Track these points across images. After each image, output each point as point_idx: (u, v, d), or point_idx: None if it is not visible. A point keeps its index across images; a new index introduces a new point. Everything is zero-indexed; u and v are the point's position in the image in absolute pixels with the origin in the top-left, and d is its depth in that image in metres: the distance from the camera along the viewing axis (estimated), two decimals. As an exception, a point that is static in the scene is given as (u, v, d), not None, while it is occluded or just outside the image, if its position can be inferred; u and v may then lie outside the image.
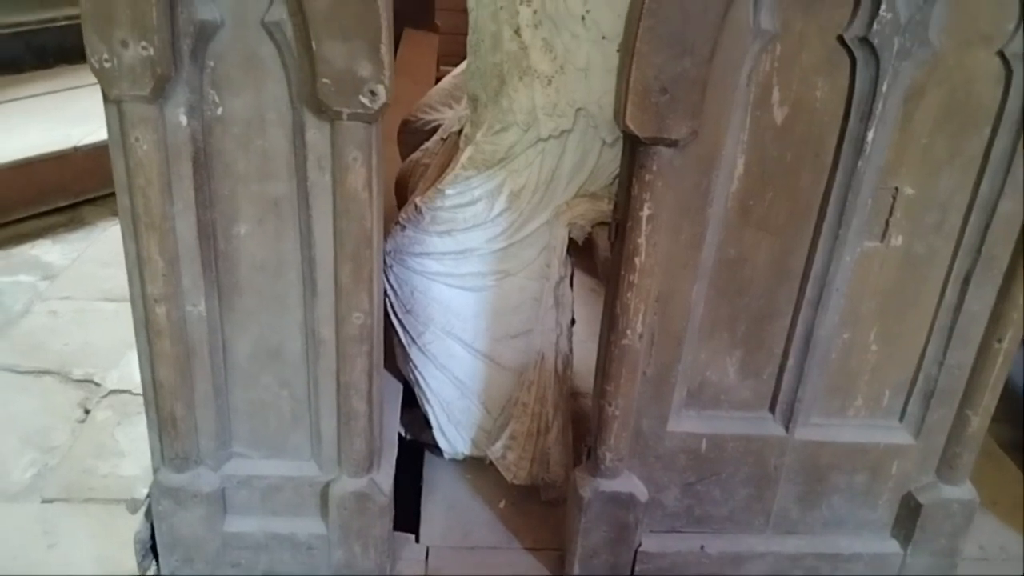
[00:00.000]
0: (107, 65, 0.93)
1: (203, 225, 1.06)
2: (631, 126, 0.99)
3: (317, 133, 1.01)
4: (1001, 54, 1.00)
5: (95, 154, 2.50)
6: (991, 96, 1.03)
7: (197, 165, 1.02)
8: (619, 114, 1.00)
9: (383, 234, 1.14)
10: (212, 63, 0.98)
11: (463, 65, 1.95)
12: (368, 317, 1.11)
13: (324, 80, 0.96)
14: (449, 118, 1.65)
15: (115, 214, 2.50)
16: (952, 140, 1.05)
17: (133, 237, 1.05)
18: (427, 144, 1.62)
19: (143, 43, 0.92)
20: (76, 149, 2.50)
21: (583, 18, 1.13)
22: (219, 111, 1.01)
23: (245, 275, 1.10)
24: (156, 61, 0.93)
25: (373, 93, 0.97)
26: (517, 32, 1.20)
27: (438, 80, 3.33)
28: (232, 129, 1.02)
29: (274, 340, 1.14)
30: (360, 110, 0.98)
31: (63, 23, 2.98)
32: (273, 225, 1.08)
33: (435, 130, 1.74)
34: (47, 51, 2.99)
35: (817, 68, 1.01)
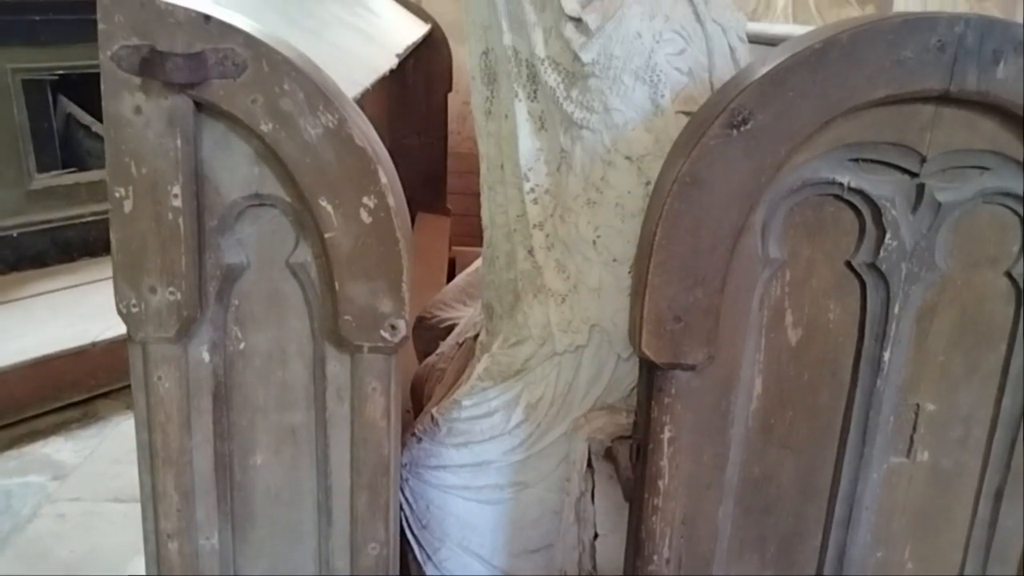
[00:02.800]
0: (135, 310, 0.96)
1: (220, 457, 1.05)
2: (647, 352, 1.00)
3: (337, 365, 1.02)
4: (1008, 274, 1.02)
5: (112, 348, 2.54)
6: (1003, 314, 1.04)
7: (217, 399, 1.03)
8: (635, 340, 1.02)
9: (400, 461, 1.13)
10: (237, 302, 1.01)
11: (476, 263, 2.00)
12: (384, 547, 1.08)
13: (346, 317, 0.98)
14: (465, 321, 1.67)
15: (129, 407, 2.53)
16: (968, 357, 1.06)
17: (150, 472, 1.04)
18: (442, 348, 1.63)
19: (171, 289, 0.95)
20: (94, 344, 2.53)
21: (594, 243, 1.17)
22: (241, 346, 1.03)
23: (260, 505, 1.08)
24: (183, 304, 0.96)
25: (393, 327, 0.99)
26: (531, 252, 1.23)
27: (451, 261, 3.45)
28: (253, 362, 1.03)
29: (287, 571, 1.11)
30: (380, 343, 0.99)
31: (89, 219, 3.10)
32: (290, 454, 1.07)
33: (450, 328, 1.76)
34: (72, 245, 3.09)
35: (827, 292, 1.03)
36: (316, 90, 0.91)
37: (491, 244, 1.35)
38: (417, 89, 3.44)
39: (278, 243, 1.00)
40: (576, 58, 1.13)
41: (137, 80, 0.89)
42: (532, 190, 1.21)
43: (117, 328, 2.73)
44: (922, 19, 0.90)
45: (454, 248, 3.62)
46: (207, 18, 0.88)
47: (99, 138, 3.19)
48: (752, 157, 0.94)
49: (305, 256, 0.99)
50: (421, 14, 3.40)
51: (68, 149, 3.16)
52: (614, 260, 1.17)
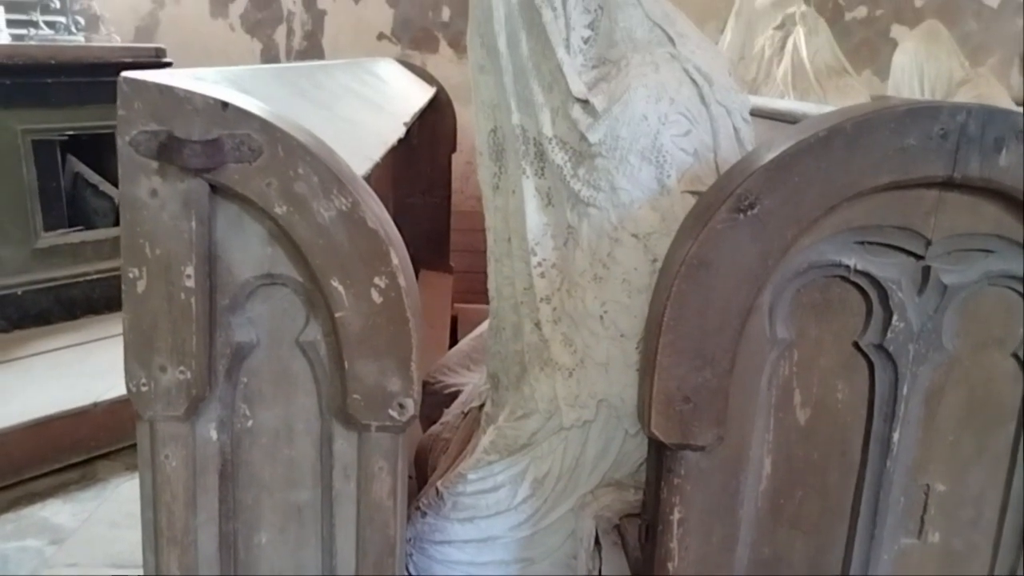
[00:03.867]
0: (144, 389, 0.96)
1: (225, 536, 1.04)
2: (656, 433, 0.99)
3: (344, 443, 1.02)
4: (1015, 356, 1.03)
5: (113, 408, 2.51)
6: (1011, 394, 1.04)
7: (223, 477, 1.02)
8: (644, 420, 1.01)
9: (405, 542, 1.12)
10: (245, 379, 1.01)
11: (481, 328, 2.01)
12: (390, 629, 1.06)
13: (355, 396, 0.98)
14: (469, 389, 1.66)
15: (128, 469, 2.51)
16: (977, 437, 1.05)
17: (154, 550, 1.03)
18: (447, 417, 1.62)
19: (181, 368, 0.95)
20: (95, 405, 2.51)
21: (601, 318, 1.18)
22: (249, 423, 1.02)
23: (264, 585, 1.07)
24: (192, 383, 0.96)
25: (402, 406, 0.99)
26: (537, 325, 1.24)
27: (453, 319, 3.45)
28: (260, 440, 1.03)
29: (291, 652, 1.09)
30: (388, 422, 0.99)
31: (93, 277, 3.11)
32: (295, 533, 1.06)
33: (454, 395, 1.76)
34: (75, 303, 3.09)
35: (836, 372, 1.03)
36: (330, 174, 0.92)
37: (497, 315, 1.36)
38: (422, 150, 3.49)
39: (288, 321, 1.00)
40: (583, 138, 1.15)
41: (154, 164, 0.90)
42: (539, 264, 1.22)
43: (119, 388, 2.69)
44: (924, 108, 0.92)
45: (456, 306, 3.63)
46: (224, 105, 0.89)
47: (106, 197, 3.23)
48: (759, 241, 0.95)
49: (315, 334, 0.99)
50: (426, 77, 3.46)
51: (75, 207, 3.18)
52: (621, 335, 1.18)
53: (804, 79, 2.40)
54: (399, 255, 0.96)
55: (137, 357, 0.95)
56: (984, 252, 0.99)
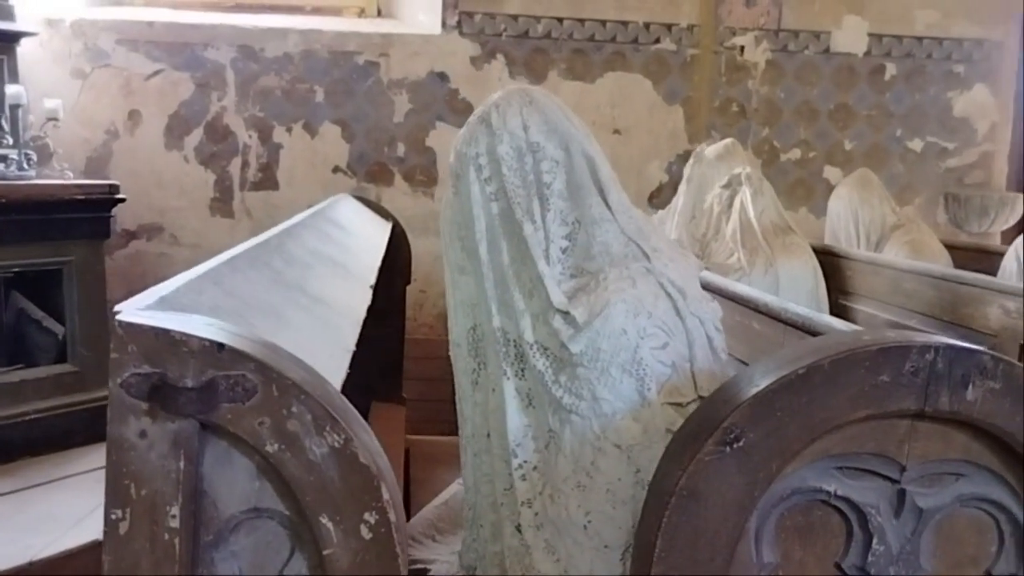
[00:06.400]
0: (119, 637, 0.92)
1: None
2: (648, 664, 0.99)
3: None
4: (989, 574, 1.06)
5: (53, 564, 2.38)
6: (987, 612, 1.07)
7: None
8: (634, 647, 1.01)
9: None
10: (224, 621, 0.98)
11: (448, 492, 1.98)
12: None
13: (341, 635, 0.95)
14: (440, 572, 1.63)
15: (63, 636, 2.35)
16: (959, 655, 1.07)
17: None
18: (418, 604, 1.58)
19: (160, 614, 0.92)
20: (31, 564, 2.38)
21: (585, 527, 1.18)
22: (227, 662, 0.98)
23: None
24: (170, 631, 0.92)
25: (389, 641, 0.96)
26: (519, 529, 1.23)
27: (407, 452, 3.38)
28: None
29: None
30: (374, 657, 0.96)
31: (32, 416, 2.98)
32: None
33: (421, 572, 1.72)
34: (13, 445, 2.94)
35: (820, 593, 1.05)
36: (323, 411, 0.92)
37: (474, 509, 1.35)
38: (377, 283, 3.50)
39: (272, 554, 0.97)
40: (564, 347, 1.17)
41: (144, 405, 0.89)
42: (520, 466, 1.23)
43: (57, 544, 2.58)
44: (895, 347, 0.97)
45: (408, 438, 3.57)
46: (220, 347, 0.89)
47: (50, 333, 3.14)
48: (745, 472, 0.97)
49: (300, 569, 0.97)
50: (382, 212, 3.51)
51: (18, 343, 3.09)
52: (605, 546, 1.18)
53: (752, 238, 2.52)
54: (390, 489, 0.95)
55: (114, 603, 0.91)
56: (955, 476, 1.04)
